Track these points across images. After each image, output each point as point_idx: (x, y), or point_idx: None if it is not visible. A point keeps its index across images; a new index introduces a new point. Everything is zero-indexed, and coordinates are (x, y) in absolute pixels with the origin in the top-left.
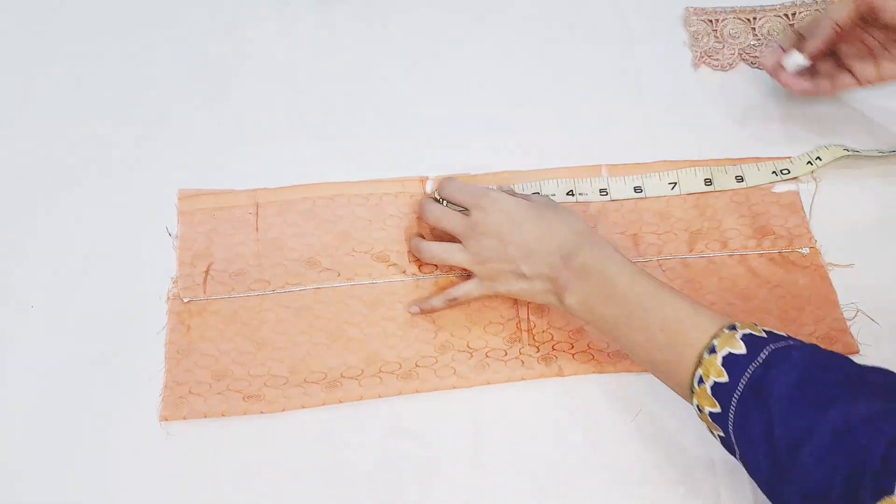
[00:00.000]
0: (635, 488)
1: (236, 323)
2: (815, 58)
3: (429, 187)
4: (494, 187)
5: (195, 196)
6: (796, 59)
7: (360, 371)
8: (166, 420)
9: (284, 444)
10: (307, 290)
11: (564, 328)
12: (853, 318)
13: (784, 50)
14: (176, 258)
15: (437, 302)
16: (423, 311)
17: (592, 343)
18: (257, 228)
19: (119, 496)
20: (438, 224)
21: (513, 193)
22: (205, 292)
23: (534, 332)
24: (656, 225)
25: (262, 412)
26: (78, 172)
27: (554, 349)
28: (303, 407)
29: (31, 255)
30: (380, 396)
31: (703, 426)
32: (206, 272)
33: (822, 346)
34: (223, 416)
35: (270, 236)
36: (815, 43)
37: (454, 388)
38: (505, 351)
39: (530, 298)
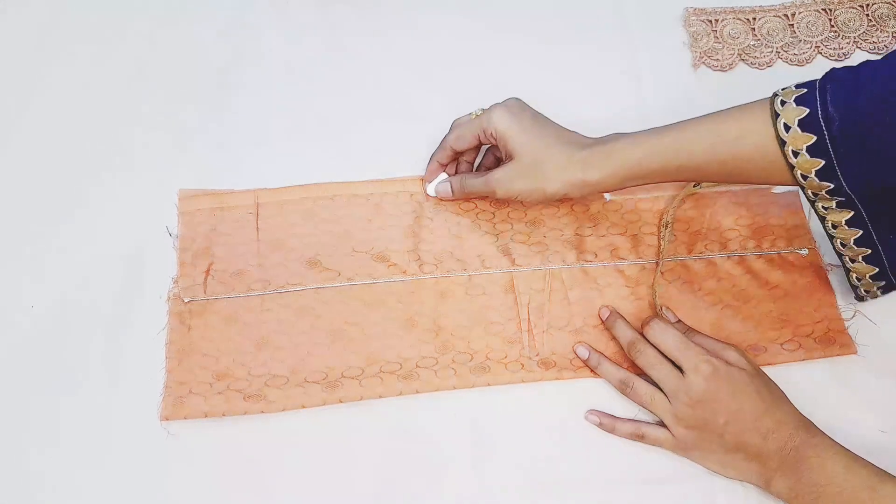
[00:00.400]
0: (635, 488)
1: (237, 323)
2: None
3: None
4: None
5: (195, 196)
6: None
7: (360, 371)
8: (167, 420)
9: (285, 444)
10: (307, 290)
11: (564, 329)
12: (851, 318)
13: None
14: (176, 258)
15: (623, 428)
16: (602, 426)
17: (592, 344)
18: (257, 228)
19: (119, 496)
20: (648, 371)
21: (716, 356)
22: (205, 292)
23: (534, 332)
24: (656, 226)
25: (262, 412)
26: (78, 173)
27: (554, 352)
28: (303, 407)
29: (32, 255)
30: (380, 396)
31: None
32: (207, 272)
33: (821, 346)
34: (224, 415)
35: (271, 236)
36: (444, 154)
37: (454, 388)
38: (505, 353)
39: (722, 470)
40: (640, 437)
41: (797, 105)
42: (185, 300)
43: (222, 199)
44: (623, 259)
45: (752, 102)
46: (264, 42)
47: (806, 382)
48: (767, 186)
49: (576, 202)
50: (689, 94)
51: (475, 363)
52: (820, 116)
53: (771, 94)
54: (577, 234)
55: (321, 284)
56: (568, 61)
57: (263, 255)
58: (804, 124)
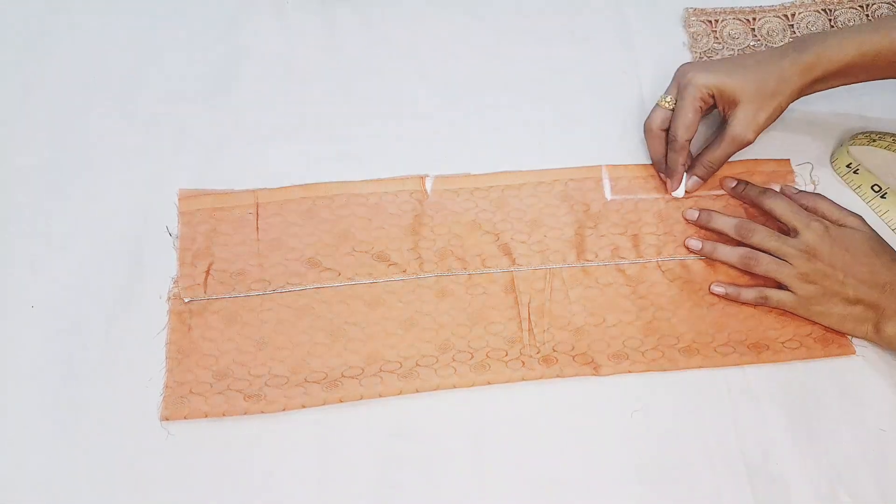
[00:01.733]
0: (635, 488)
1: (237, 323)
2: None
3: (428, 186)
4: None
5: (195, 196)
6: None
7: (360, 370)
8: (167, 420)
9: (285, 444)
10: (308, 289)
11: (565, 328)
12: None
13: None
14: (176, 258)
15: (748, 294)
16: (728, 297)
17: (593, 344)
18: (257, 228)
19: (119, 496)
20: (764, 244)
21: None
22: (205, 292)
23: (534, 332)
24: (656, 225)
25: (262, 412)
26: (78, 172)
27: (555, 350)
28: (303, 406)
29: (31, 255)
30: (380, 396)
31: (703, 425)
32: (207, 272)
33: (819, 347)
34: (224, 415)
35: (271, 236)
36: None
37: (455, 387)
38: (506, 351)
39: (840, 324)
40: (764, 300)
41: None
42: (186, 300)
43: (222, 199)
44: (624, 258)
45: None
46: (264, 42)
47: (806, 382)
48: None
49: (576, 202)
50: None
51: (475, 362)
52: None
53: None
54: (577, 234)
55: (321, 284)
56: (568, 61)
57: (263, 254)
58: None
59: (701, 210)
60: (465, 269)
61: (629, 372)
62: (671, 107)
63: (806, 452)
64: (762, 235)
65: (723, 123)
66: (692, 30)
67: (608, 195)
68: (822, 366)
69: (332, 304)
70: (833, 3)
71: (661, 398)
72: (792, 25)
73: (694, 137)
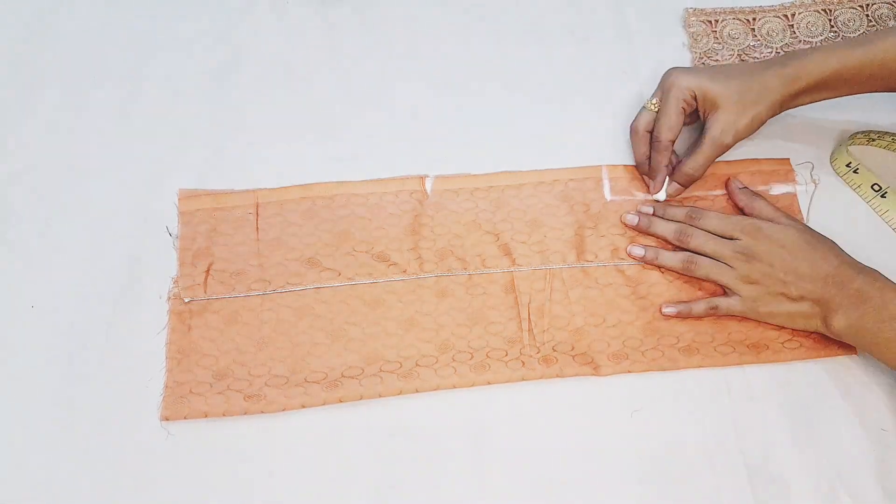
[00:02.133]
0: (635, 488)
1: (237, 323)
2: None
3: (428, 186)
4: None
5: (195, 196)
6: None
7: (360, 370)
8: (167, 420)
9: (285, 444)
10: (307, 289)
11: (565, 328)
12: None
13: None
14: (176, 258)
15: (698, 308)
16: (679, 315)
17: (593, 344)
18: (257, 228)
19: (119, 496)
20: (702, 248)
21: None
22: (205, 292)
23: (534, 332)
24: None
25: (262, 412)
26: (78, 172)
27: (555, 350)
28: (303, 406)
29: (31, 254)
30: (380, 396)
31: (703, 425)
32: (207, 272)
33: (819, 346)
34: (224, 415)
35: (270, 236)
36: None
37: (455, 387)
38: (506, 351)
39: (790, 322)
40: (714, 310)
41: None
42: (186, 300)
43: (222, 199)
44: (623, 259)
45: None
46: (264, 42)
47: (806, 382)
48: (764, 189)
49: (576, 202)
50: None
51: (475, 361)
52: None
53: None
54: (577, 234)
55: (321, 284)
56: (568, 61)
57: (263, 254)
58: None
59: (641, 215)
60: (465, 269)
61: (629, 372)
62: (656, 109)
63: (806, 452)
64: (700, 240)
65: (702, 129)
66: (692, 30)
67: (608, 195)
68: (823, 365)
69: (332, 304)
70: (833, 3)
71: (661, 398)
72: (792, 25)
73: (677, 140)
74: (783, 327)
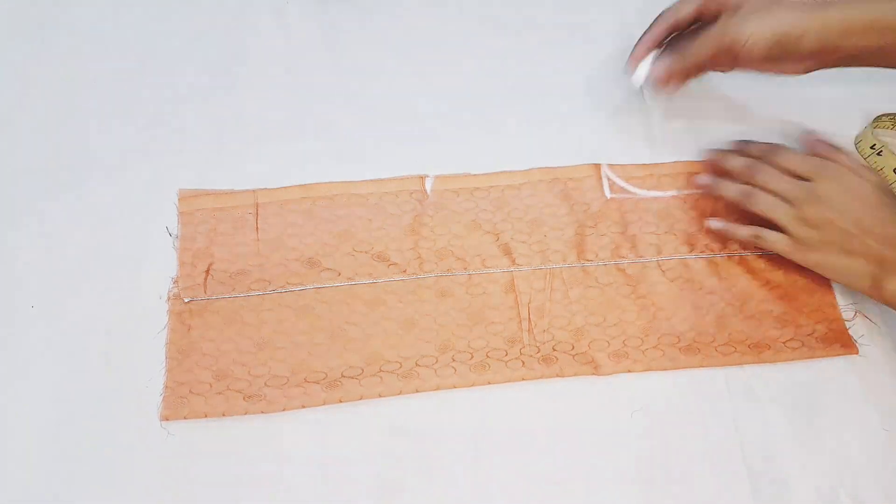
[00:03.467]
0: (635, 488)
1: (237, 323)
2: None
3: (428, 186)
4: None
5: (195, 196)
6: (643, 69)
7: (360, 371)
8: (167, 420)
9: (285, 444)
10: (308, 289)
11: (565, 328)
12: (852, 318)
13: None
14: (176, 258)
15: (742, 231)
16: (722, 232)
17: (593, 343)
18: (257, 228)
19: (119, 496)
20: (767, 184)
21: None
22: (205, 292)
23: (534, 332)
24: (656, 225)
25: (262, 412)
26: (78, 172)
27: (555, 350)
28: (303, 407)
29: (31, 255)
30: (380, 396)
31: (703, 425)
32: (207, 272)
33: (821, 346)
34: (224, 415)
35: (271, 236)
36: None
37: (455, 387)
38: (506, 351)
39: (837, 275)
40: (756, 238)
41: None
42: (186, 300)
43: (222, 199)
44: (624, 258)
45: None
46: (264, 42)
47: (807, 382)
48: None
49: (576, 201)
50: (688, 94)
51: (475, 361)
52: None
53: None
54: (577, 234)
55: (321, 284)
56: (568, 61)
57: (263, 255)
58: None
59: (717, 152)
60: (465, 269)
61: (629, 371)
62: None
63: (807, 453)
64: (767, 175)
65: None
66: None
67: (608, 195)
68: (824, 365)
69: (332, 304)
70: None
71: (661, 398)
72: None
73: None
74: (784, 326)
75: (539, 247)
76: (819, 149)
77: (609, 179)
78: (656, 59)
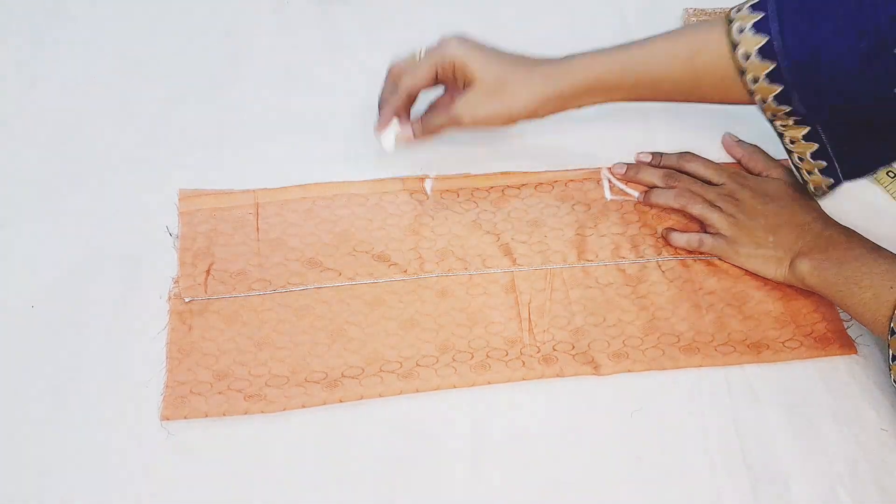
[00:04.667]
0: (635, 488)
1: (237, 323)
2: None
3: (428, 186)
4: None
5: (195, 196)
6: (391, 133)
7: (360, 370)
8: (167, 420)
9: (285, 444)
10: (308, 289)
11: (565, 328)
12: (851, 319)
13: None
14: (176, 258)
15: (691, 239)
16: (671, 242)
17: (593, 343)
18: (258, 228)
19: (119, 496)
20: (688, 190)
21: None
22: (206, 292)
23: (535, 332)
24: (656, 226)
25: (262, 412)
26: (78, 172)
27: (555, 349)
28: (303, 406)
29: (31, 255)
30: (380, 396)
31: (703, 425)
32: (207, 272)
33: (819, 346)
34: (224, 415)
35: (271, 236)
36: (396, 102)
37: (455, 387)
38: (506, 351)
39: (763, 266)
40: (699, 243)
41: (755, 33)
42: (186, 300)
43: (222, 199)
44: (624, 258)
45: (707, 21)
46: (264, 42)
47: (806, 382)
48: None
49: (576, 202)
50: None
51: (476, 361)
52: (775, 47)
53: (726, 17)
54: (577, 234)
55: (322, 284)
56: None
57: (264, 254)
58: (764, 52)
59: (628, 165)
60: (465, 269)
61: (629, 371)
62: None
63: (806, 452)
64: (687, 182)
65: (454, 95)
66: None
67: (608, 195)
68: (823, 365)
69: (333, 304)
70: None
71: (661, 398)
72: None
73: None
74: (783, 326)
75: (539, 247)
76: (737, 151)
77: (609, 181)
78: (399, 129)
